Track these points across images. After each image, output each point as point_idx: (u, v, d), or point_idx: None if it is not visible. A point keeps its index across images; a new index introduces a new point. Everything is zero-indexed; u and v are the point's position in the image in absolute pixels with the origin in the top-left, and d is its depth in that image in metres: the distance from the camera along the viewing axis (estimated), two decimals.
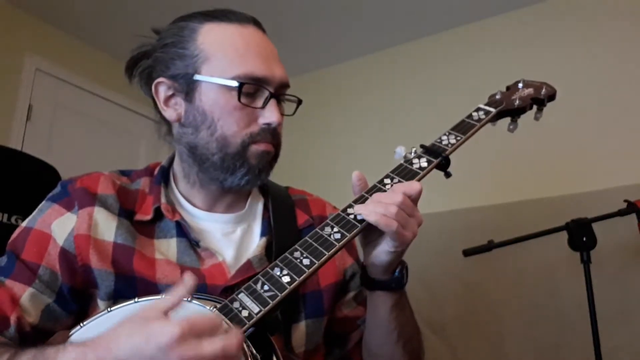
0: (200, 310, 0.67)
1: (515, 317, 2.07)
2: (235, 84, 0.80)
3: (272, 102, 0.83)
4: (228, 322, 0.65)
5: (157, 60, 0.86)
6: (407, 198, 0.73)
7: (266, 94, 0.82)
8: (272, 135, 0.84)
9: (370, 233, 0.77)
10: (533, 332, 2.02)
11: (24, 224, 0.83)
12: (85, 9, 2.59)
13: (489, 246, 1.67)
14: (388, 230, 0.72)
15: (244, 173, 0.83)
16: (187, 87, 0.83)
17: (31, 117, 2.59)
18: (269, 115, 0.82)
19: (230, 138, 0.82)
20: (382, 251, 0.76)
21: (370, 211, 0.73)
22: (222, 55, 0.82)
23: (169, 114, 0.86)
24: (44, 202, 0.85)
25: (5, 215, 1.26)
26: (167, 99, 0.86)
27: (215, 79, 0.81)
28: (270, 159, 0.85)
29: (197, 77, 0.82)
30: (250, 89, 0.81)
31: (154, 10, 2.43)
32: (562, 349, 1.94)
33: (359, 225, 0.75)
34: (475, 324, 2.13)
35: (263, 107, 0.82)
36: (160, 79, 0.85)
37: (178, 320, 0.57)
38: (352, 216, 0.76)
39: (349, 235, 0.74)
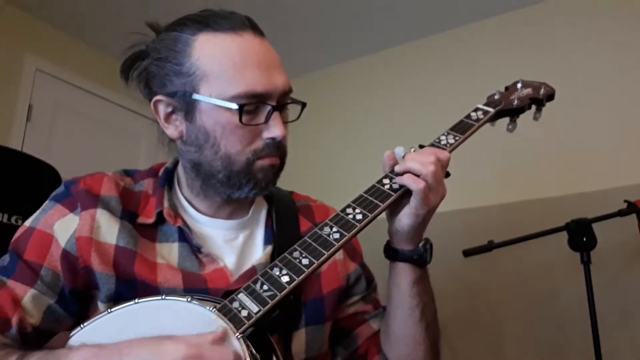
0: (200, 311, 0.67)
1: (515, 317, 2.07)
2: (235, 106, 0.77)
3: (275, 115, 0.80)
4: (233, 328, 0.65)
5: (152, 73, 0.84)
6: (438, 162, 0.77)
7: (268, 108, 0.80)
8: (277, 148, 0.82)
9: (396, 205, 0.80)
10: (533, 332, 2.02)
11: (27, 223, 0.83)
12: (85, 9, 2.59)
13: (489, 246, 1.67)
14: (415, 188, 0.75)
15: (250, 188, 0.82)
16: (187, 106, 0.81)
17: (31, 117, 2.59)
18: (273, 129, 0.80)
19: (234, 156, 0.80)
20: (405, 214, 0.79)
21: (407, 167, 0.78)
22: (219, 72, 0.78)
23: (171, 131, 0.84)
24: (47, 202, 0.84)
25: (5, 216, 1.26)
26: (168, 116, 0.84)
27: (214, 100, 0.78)
28: (276, 170, 0.84)
29: (195, 96, 0.79)
30: (251, 107, 0.79)
31: (154, 10, 2.43)
32: (562, 349, 1.94)
33: (358, 225, 0.75)
34: (475, 324, 2.13)
35: (266, 122, 0.80)
36: (159, 97, 0.83)
37: (189, 342, 0.59)
38: (350, 216, 0.77)
39: (347, 235, 0.74)
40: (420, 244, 0.82)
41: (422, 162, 0.77)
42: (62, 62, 2.75)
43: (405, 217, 0.79)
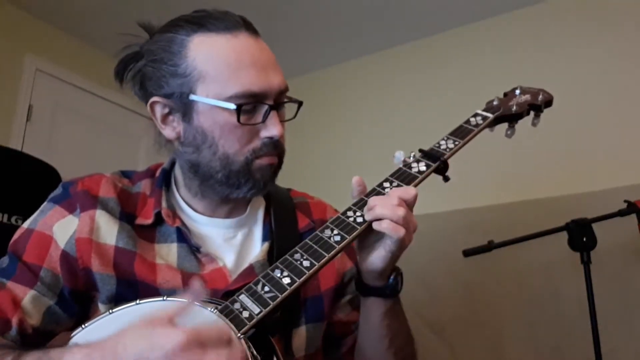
0: (203, 313, 0.67)
1: (515, 318, 2.08)
2: (232, 106, 0.77)
3: (273, 114, 0.80)
4: (235, 329, 0.65)
5: (148, 74, 0.84)
6: (403, 203, 0.73)
7: (265, 107, 0.80)
8: (275, 147, 0.82)
9: (367, 237, 0.77)
10: (533, 332, 2.02)
11: (25, 225, 0.83)
12: (85, 8, 2.59)
13: (489, 246, 1.67)
14: (395, 236, 0.71)
15: (249, 187, 0.82)
16: (184, 107, 0.81)
17: (31, 117, 2.59)
18: (271, 129, 0.80)
19: (232, 156, 0.80)
20: (379, 256, 0.75)
21: (377, 215, 0.72)
22: (216, 73, 0.79)
23: (168, 132, 0.85)
24: (45, 204, 0.84)
25: (5, 216, 1.26)
26: (164, 117, 0.84)
27: (212, 100, 0.78)
28: (275, 169, 0.84)
29: (192, 97, 0.79)
30: (248, 106, 0.79)
31: (154, 10, 2.43)
32: (562, 349, 1.94)
33: (359, 227, 0.75)
34: (475, 324, 2.13)
35: (263, 121, 0.80)
36: (155, 99, 0.83)
37: (184, 327, 0.57)
38: (351, 219, 0.77)
39: (348, 238, 0.74)
40: (392, 277, 0.79)
41: (392, 206, 0.72)
42: (62, 62, 2.75)
43: (380, 260, 0.75)
